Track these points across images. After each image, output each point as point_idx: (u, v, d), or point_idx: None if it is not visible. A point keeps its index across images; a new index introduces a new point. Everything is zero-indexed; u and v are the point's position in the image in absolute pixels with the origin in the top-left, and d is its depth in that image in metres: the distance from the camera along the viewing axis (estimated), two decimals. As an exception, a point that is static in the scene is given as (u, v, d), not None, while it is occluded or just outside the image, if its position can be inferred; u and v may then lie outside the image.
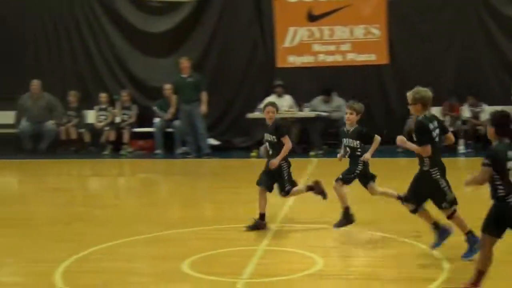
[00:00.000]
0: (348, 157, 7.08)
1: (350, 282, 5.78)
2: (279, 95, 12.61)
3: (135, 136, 13.53)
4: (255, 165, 10.96)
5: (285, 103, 12.57)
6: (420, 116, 5.75)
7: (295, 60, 13.38)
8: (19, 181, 12.37)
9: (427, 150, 5.65)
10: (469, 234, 5.80)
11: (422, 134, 5.74)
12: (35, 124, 13.35)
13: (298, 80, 13.41)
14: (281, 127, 7.39)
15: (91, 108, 13.62)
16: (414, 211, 6.03)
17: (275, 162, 6.95)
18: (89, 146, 13.47)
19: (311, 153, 12.68)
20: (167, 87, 13.09)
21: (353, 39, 13.16)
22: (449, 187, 5.84)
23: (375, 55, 13.05)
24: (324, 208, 8.32)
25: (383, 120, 13.13)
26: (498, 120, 4.79)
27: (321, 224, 7.58)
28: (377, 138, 6.92)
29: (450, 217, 5.95)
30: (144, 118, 13.49)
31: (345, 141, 7.08)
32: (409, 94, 5.86)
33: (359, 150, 6.88)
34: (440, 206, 5.90)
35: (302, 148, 12.80)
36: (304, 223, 7.79)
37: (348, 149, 7.06)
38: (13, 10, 14.01)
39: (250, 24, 13.53)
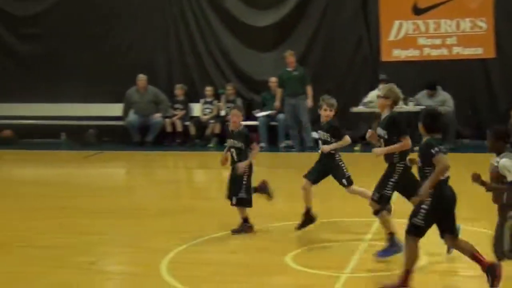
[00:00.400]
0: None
1: (454, 278, 6.58)
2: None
3: None
4: (358, 158, 12.73)
5: None
6: (395, 112, 6.82)
7: (400, 54, 14.62)
8: (127, 172, 13.97)
9: (409, 142, 6.62)
10: (392, 237, 6.87)
11: (401, 126, 6.75)
12: (142, 117, 15.17)
13: (402, 74, 14.24)
14: (249, 134, 8.28)
15: (197, 101, 15.37)
16: (376, 213, 6.95)
17: (242, 166, 7.80)
18: (195, 139, 15.03)
19: (415, 147, 14.48)
20: (272, 80, 14.61)
21: (459, 33, 14.27)
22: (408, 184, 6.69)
23: (482, 48, 14.08)
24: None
25: (487, 114, 14.14)
26: (428, 117, 5.69)
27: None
28: (346, 138, 7.75)
29: (377, 213, 6.96)
30: (248, 112, 14.88)
31: (320, 134, 7.96)
32: (385, 88, 7.13)
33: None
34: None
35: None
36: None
37: (321, 142, 7.96)
38: (124, 9, 15.93)
39: (355, 17, 14.82)
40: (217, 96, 15.24)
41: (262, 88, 15.16)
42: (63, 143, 16.30)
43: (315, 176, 7.74)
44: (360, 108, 14.26)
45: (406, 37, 14.60)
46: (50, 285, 6.36)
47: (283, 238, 7.76)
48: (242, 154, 7.82)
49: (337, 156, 7.74)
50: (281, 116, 14.57)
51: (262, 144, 14.41)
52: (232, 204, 7.98)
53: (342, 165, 7.74)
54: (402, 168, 6.74)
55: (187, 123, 15.20)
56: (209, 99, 15.23)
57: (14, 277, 6.34)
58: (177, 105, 15.33)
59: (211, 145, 14.91)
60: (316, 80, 14.52)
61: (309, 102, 14.21)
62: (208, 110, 15.21)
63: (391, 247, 6.84)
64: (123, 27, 16.19)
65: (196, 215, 9.04)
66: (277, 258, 6.79)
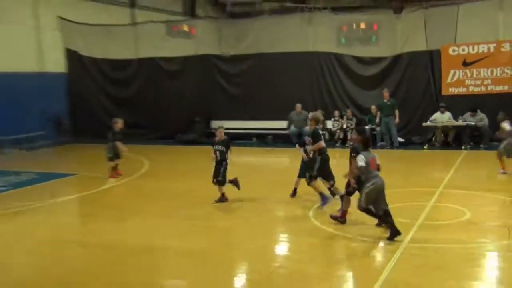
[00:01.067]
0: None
1: (485, 228, 7.88)
2: (442, 112, 16.84)
3: None
4: (426, 154, 15.97)
5: (446, 117, 16.84)
6: (314, 128, 9.02)
7: (453, 90, 17.25)
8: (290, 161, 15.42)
9: (321, 144, 8.74)
10: (321, 194, 8.86)
11: (317, 136, 8.86)
12: (298, 129, 18.14)
13: (455, 103, 16.88)
14: (229, 142, 9.76)
15: (329, 119, 18.13)
16: (310, 184, 8.84)
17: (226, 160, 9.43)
18: (328, 141, 16.59)
19: (463, 147, 16.40)
20: (373, 107, 17.75)
21: (493, 77, 16.76)
22: (321, 169, 8.74)
23: (508, 86, 16.73)
24: (481, 178, 12.05)
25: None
26: (364, 131, 7.64)
27: (474, 191, 10.21)
28: (320, 142, 8.89)
29: (309, 183, 8.89)
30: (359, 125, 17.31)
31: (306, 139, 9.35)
32: (310, 114, 9.50)
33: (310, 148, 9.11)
34: (305, 176, 8.84)
35: (456, 145, 16.64)
36: (461, 189, 10.39)
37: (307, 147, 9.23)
38: (287, 66, 18.90)
39: (425, 68, 17.38)
40: (341, 116, 18.33)
41: (368, 111, 18.01)
42: (254, 143, 19.17)
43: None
44: (428, 123, 17.13)
45: (458, 80, 17.22)
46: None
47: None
48: (223, 154, 9.69)
49: (315, 155, 9.06)
50: (378, 128, 17.65)
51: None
52: (213, 183, 9.75)
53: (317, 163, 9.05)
54: (320, 160, 8.94)
55: (324, 132, 16.89)
56: (336, 118, 18.35)
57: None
58: None
59: (337, 144, 17.85)
60: (401, 106, 17.36)
61: (397, 120, 17.12)
62: (336, 124, 18.39)
63: (324, 199, 9.01)
64: (287, 77, 19.04)
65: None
66: None
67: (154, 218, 9.25)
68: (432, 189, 10.23)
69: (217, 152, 9.72)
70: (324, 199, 9.04)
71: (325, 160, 9.07)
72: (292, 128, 18.62)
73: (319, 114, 10.15)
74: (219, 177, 9.64)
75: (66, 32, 21.57)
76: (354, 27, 19.69)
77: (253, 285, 6.37)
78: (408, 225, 7.71)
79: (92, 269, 7.01)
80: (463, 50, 17.07)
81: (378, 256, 7.35)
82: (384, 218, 7.27)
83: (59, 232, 8.98)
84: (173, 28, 22.79)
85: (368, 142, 7.56)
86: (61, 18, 21.40)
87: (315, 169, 8.92)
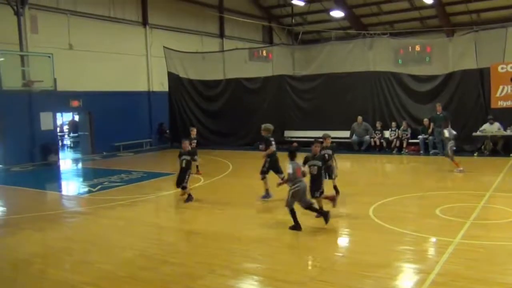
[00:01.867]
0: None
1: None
2: (491, 123, 16.08)
3: (409, 144, 17.52)
4: (476, 161, 15.24)
5: (495, 127, 16.09)
6: (267, 136, 9.67)
7: (502, 104, 16.42)
8: (352, 165, 15.97)
9: (271, 149, 9.59)
10: (267, 191, 9.40)
11: (268, 143, 9.64)
12: (359, 137, 18.23)
13: (504, 114, 16.12)
14: (195, 153, 9.91)
15: (387, 129, 18.15)
16: (262, 179, 9.49)
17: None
18: (386, 148, 17.72)
19: (511, 155, 15.48)
20: (425, 120, 17.11)
21: None
22: (271, 166, 9.44)
23: None
24: None
25: None
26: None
27: None
28: (270, 148, 9.56)
29: (262, 179, 9.49)
30: (414, 135, 17.63)
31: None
32: (263, 126, 9.67)
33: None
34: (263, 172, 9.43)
35: (505, 153, 15.86)
36: (510, 192, 9.94)
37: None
38: (355, 83, 18.64)
39: (476, 84, 16.55)
40: (398, 127, 17.90)
41: (421, 123, 17.47)
42: None
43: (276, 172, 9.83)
44: (478, 133, 16.40)
45: (506, 94, 16.35)
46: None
47: (434, 200, 9.40)
48: (189, 164, 9.84)
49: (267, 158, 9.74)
50: (430, 137, 17.04)
51: (421, 151, 16.86)
52: (180, 188, 9.85)
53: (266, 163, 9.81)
54: (269, 160, 9.75)
55: (382, 140, 18.07)
56: (393, 128, 17.93)
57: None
58: (376, 132, 18.32)
59: (394, 152, 17.55)
60: (453, 118, 15.75)
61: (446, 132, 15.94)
62: (393, 133, 17.96)
63: (267, 195, 9.59)
64: (351, 93, 18.88)
65: (383, 187, 11.10)
66: (430, 210, 8.30)
67: (235, 210, 9.40)
68: (483, 192, 9.81)
69: (184, 161, 9.76)
70: (266, 195, 9.60)
71: (275, 160, 9.86)
72: (354, 137, 18.54)
73: (270, 125, 10.28)
74: (184, 183, 9.76)
75: (169, 58, 22.48)
76: (410, 49, 19.08)
77: (320, 271, 6.21)
78: (461, 223, 7.50)
79: (184, 250, 7.16)
80: (511, 67, 16.11)
81: (432, 250, 7.03)
82: (310, 209, 7.85)
83: (161, 220, 9.28)
84: (254, 54, 23.32)
85: (293, 155, 7.77)
86: (165, 47, 22.42)
87: (266, 167, 9.77)
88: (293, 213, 7.66)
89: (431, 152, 16.90)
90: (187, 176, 9.74)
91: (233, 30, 28.44)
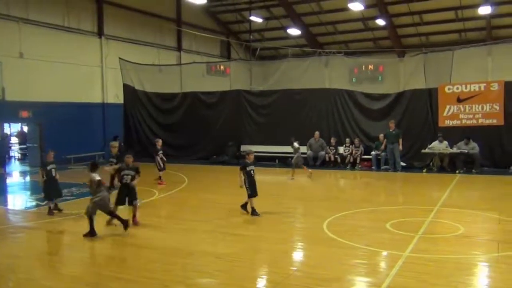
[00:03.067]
0: None
1: (477, 241, 7.65)
2: (440, 141, 16.60)
3: (362, 160, 17.94)
4: (425, 177, 15.51)
5: (443, 145, 16.63)
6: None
7: (449, 123, 17.07)
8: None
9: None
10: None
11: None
12: (315, 153, 18.57)
13: (450, 133, 16.73)
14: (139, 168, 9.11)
15: (341, 145, 18.44)
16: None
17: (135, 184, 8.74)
18: (340, 164, 18.06)
19: (457, 171, 16.06)
20: (381, 136, 17.51)
21: (483, 112, 16.57)
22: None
23: (496, 120, 16.43)
24: (473, 198, 11.64)
25: (499, 154, 16.16)
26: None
27: (467, 209, 9.86)
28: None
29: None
30: (366, 151, 18.09)
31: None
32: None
33: None
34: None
35: (451, 169, 16.41)
36: (456, 207, 10.13)
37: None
38: (308, 100, 19.13)
39: (425, 103, 17.24)
40: (351, 143, 18.27)
41: (375, 139, 17.92)
42: (276, 164, 19.15)
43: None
44: (427, 150, 17.02)
45: (453, 114, 17.07)
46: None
47: (383, 214, 9.93)
48: (132, 178, 9.05)
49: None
50: (383, 153, 17.49)
51: (373, 167, 17.21)
52: (129, 205, 9.20)
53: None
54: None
55: (336, 156, 18.47)
56: (347, 145, 18.27)
57: None
58: (331, 148, 18.64)
59: (347, 167, 17.83)
60: (404, 135, 17.10)
61: (400, 147, 16.84)
62: (347, 150, 18.32)
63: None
64: (306, 109, 19.28)
65: (337, 202, 11.34)
66: (380, 224, 8.55)
67: (190, 224, 9.28)
68: (430, 207, 10.12)
69: (125, 176, 9.16)
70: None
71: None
72: (309, 152, 18.82)
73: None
74: (135, 200, 9.26)
75: (124, 70, 22.22)
76: (364, 68, 19.92)
77: (273, 285, 6.21)
78: (410, 237, 7.64)
79: (136, 266, 6.97)
80: (457, 88, 16.95)
81: (383, 264, 7.14)
82: (112, 216, 8.46)
83: (112, 234, 8.96)
84: (211, 68, 23.37)
85: (94, 166, 8.35)
86: (121, 59, 22.10)
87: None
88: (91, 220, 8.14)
89: (382, 168, 17.40)
90: (134, 191, 9.13)
91: (191, 43, 28.45)
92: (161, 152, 14.60)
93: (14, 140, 26.78)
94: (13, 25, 18.65)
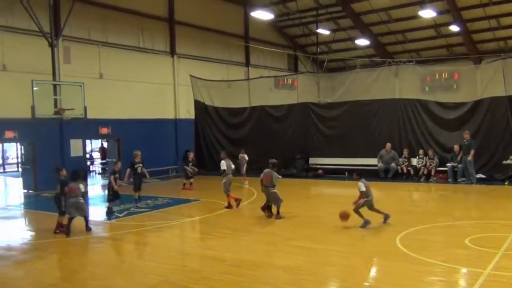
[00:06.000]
0: None
1: None
2: None
3: (437, 172, 17.29)
4: (506, 189, 14.84)
5: None
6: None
7: None
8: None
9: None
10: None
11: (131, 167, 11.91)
12: (386, 165, 18.06)
13: None
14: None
15: (414, 157, 17.76)
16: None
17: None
18: (414, 176, 17.28)
19: None
20: (456, 147, 16.78)
21: None
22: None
23: None
24: None
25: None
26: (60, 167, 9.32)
27: None
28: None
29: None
30: (442, 163, 17.30)
31: None
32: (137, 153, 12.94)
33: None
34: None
35: None
36: None
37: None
38: (378, 110, 18.63)
39: (505, 112, 16.10)
40: (425, 154, 17.50)
41: (450, 150, 17.18)
42: (346, 177, 18.32)
43: None
44: (508, 161, 16.13)
45: None
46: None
47: (453, 230, 9.48)
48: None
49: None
50: (460, 165, 16.69)
51: (449, 179, 16.46)
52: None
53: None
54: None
55: (409, 168, 17.85)
56: (421, 156, 17.52)
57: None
58: (402, 159, 17.94)
59: (421, 180, 17.19)
60: (483, 146, 16.50)
61: (469, 158, 16.03)
62: (421, 161, 17.59)
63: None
64: (376, 120, 18.78)
65: (415, 215, 11.08)
66: (459, 239, 8.12)
67: (259, 237, 9.42)
68: (514, 222, 9.68)
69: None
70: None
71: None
72: (381, 164, 18.37)
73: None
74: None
75: (195, 87, 23.03)
76: (437, 76, 18.82)
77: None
78: (491, 254, 7.33)
79: (208, 276, 7.11)
80: (540, 95, 15.78)
81: (462, 281, 6.80)
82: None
83: (185, 246, 9.28)
84: (279, 82, 23.50)
85: (74, 175, 9.58)
86: (192, 76, 22.98)
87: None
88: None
89: (459, 180, 16.64)
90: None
91: (258, 58, 28.91)
92: (191, 163, 17.00)
93: (95, 155, 28.42)
94: (94, 49, 20.00)
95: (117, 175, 12.02)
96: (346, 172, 18.88)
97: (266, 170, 10.59)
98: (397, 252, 7.79)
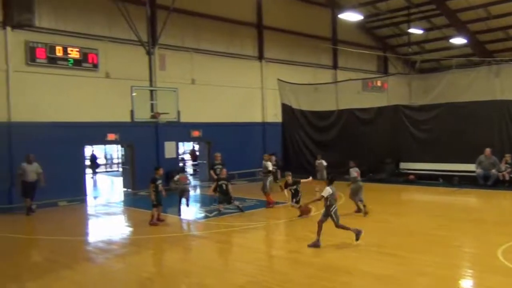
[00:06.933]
0: None
1: None
2: None
3: None
4: None
5: None
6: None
7: None
8: (476, 200, 15.30)
9: None
10: None
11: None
12: (485, 171, 16.94)
13: None
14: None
15: None
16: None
17: None
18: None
19: None
20: None
21: None
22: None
23: None
24: None
25: None
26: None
27: None
28: None
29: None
30: None
31: None
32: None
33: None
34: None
35: None
36: None
37: None
38: (475, 113, 17.33)
39: None
40: None
41: None
42: (440, 183, 17.88)
43: None
44: None
45: None
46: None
47: None
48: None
49: None
50: None
51: None
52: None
53: None
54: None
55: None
56: None
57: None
58: (506, 166, 16.75)
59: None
60: None
61: None
62: None
63: None
64: (473, 123, 17.60)
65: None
66: None
67: (346, 242, 9.12)
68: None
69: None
70: None
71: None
72: (479, 170, 17.25)
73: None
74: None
75: (282, 90, 23.25)
76: (545, 75, 17.28)
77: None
78: None
79: (296, 280, 7.09)
80: None
81: None
82: None
83: (272, 247, 9.36)
84: (368, 84, 22.98)
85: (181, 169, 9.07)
86: (279, 80, 23.22)
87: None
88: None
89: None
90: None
91: (346, 61, 28.41)
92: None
93: (187, 157, 29.73)
94: (187, 55, 20.97)
95: (159, 182, 11.75)
96: (440, 178, 18.24)
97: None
98: (498, 265, 7.30)
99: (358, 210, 11.59)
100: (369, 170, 20.29)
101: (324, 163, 17.87)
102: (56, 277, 7.73)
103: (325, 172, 17.71)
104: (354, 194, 12.08)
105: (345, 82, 23.40)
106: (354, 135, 21.12)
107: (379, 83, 22.68)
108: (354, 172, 12.28)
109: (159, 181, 12.09)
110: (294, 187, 11.64)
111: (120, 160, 26.37)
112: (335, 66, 28.05)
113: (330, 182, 8.72)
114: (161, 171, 11.61)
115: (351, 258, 8.21)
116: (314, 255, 8.55)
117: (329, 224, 11.03)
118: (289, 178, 12.34)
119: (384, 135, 20.44)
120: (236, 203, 12.74)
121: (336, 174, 9.89)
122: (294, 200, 11.61)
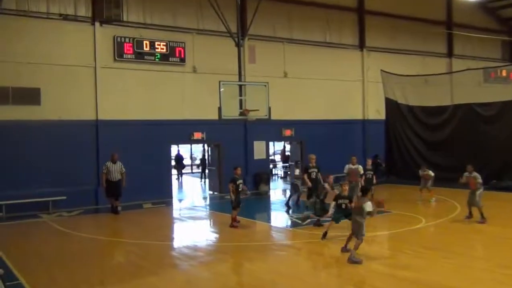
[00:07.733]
0: None
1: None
2: None
3: None
4: None
5: None
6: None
7: None
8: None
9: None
10: None
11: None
12: None
13: None
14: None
15: None
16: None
17: None
18: None
19: None
20: None
21: None
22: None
23: None
24: None
25: None
26: None
27: None
28: None
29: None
30: None
31: None
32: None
33: None
34: None
35: None
36: None
37: None
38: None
39: None
40: None
41: None
42: None
43: None
44: None
45: None
46: None
47: None
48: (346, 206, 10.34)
49: None
50: None
51: None
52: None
53: None
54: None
55: None
56: None
57: None
58: None
59: None
60: None
61: None
62: None
63: None
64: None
65: None
66: None
67: (461, 259, 8.87)
68: None
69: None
70: None
71: None
72: None
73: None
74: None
75: (386, 83, 22.64)
76: None
77: None
78: None
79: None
80: None
81: None
82: None
83: (371, 261, 9.11)
84: (490, 74, 21.59)
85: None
86: (383, 71, 22.57)
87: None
88: None
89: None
90: None
91: (464, 48, 27.07)
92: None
93: (277, 158, 30.01)
94: (279, 46, 21.15)
95: (239, 181, 12.25)
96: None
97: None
98: None
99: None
100: (492, 176, 19.14)
101: (431, 173, 16.75)
102: (140, 283, 8.16)
103: (430, 182, 16.66)
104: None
105: (462, 72, 22.04)
106: (474, 135, 20.09)
107: (504, 73, 21.52)
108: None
109: (240, 181, 12.30)
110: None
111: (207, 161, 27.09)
112: (450, 54, 26.72)
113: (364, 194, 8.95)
114: (239, 171, 12.05)
115: (469, 279, 7.75)
116: (424, 273, 8.16)
117: (444, 239, 10.55)
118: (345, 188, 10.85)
119: (511, 135, 19.25)
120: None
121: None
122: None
